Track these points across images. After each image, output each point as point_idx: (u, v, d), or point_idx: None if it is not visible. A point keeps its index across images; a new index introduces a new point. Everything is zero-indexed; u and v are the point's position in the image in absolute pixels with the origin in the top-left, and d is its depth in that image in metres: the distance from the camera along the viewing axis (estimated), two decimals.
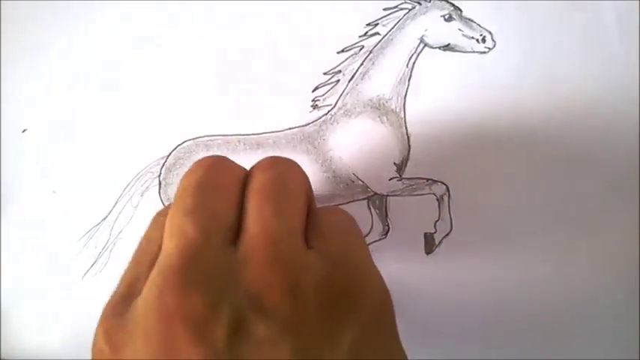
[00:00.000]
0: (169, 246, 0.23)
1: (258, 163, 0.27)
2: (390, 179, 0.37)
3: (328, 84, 0.38)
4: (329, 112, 0.38)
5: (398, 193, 0.37)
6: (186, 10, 0.39)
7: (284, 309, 0.22)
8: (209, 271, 0.22)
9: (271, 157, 0.27)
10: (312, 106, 0.38)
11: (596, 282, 0.37)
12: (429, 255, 0.37)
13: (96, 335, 0.23)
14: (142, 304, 0.22)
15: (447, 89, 0.37)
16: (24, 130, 0.39)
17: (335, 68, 0.38)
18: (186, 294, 0.21)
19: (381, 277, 0.26)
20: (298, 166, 0.28)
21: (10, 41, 0.39)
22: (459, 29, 0.37)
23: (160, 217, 0.26)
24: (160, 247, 0.24)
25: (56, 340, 0.38)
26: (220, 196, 0.25)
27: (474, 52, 0.37)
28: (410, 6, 0.38)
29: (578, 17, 0.38)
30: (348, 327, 0.23)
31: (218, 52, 0.38)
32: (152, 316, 0.21)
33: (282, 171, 0.26)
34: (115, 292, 0.25)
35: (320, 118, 0.38)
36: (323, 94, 0.38)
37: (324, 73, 0.38)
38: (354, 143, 0.37)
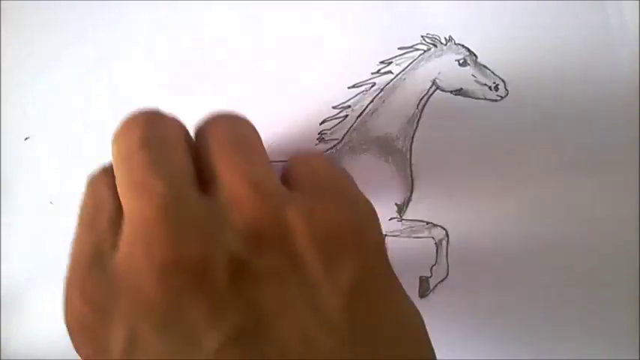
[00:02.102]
0: (140, 205, 0.22)
1: (207, 118, 0.28)
2: (390, 219, 0.37)
3: (336, 118, 0.37)
4: (334, 146, 0.38)
5: (396, 234, 0.37)
6: (198, 31, 0.39)
7: (282, 244, 0.22)
8: (193, 220, 0.22)
9: (218, 112, 0.28)
10: (318, 138, 0.38)
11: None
12: (422, 299, 0.37)
13: (69, 299, 0.23)
14: (125, 261, 0.22)
15: (455, 134, 0.37)
16: (26, 138, 0.38)
17: (344, 103, 0.37)
18: (178, 244, 0.21)
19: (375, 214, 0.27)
20: (247, 119, 0.29)
21: (16, 48, 0.39)
22: (473, 75, 0.37)
23: (101, 179, 0.26)
24: (114, 209, 0.24)
25: (47, 344, 0.38)
26: (173, 150, 0.25)
27: (485, 99, 0.37)
28: (425, 47, 0.37)
29: (593, 71, 0.38)
30: (346, 265, 0.23)
31: (229, 77, 0.38)
32: (143, 271, 0.21)
33: (237, 124, 0.28)
34: (76, 258, 0.24)
35: (325, 151, 0.37)
36: (330, 128, 0.38)
37: (333, 107, 0.38)
38: (357, 180, 0.37)
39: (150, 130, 0.25)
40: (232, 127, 0.27)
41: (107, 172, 0.26)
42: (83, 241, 0.24)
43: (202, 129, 0.27)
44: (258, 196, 0.23)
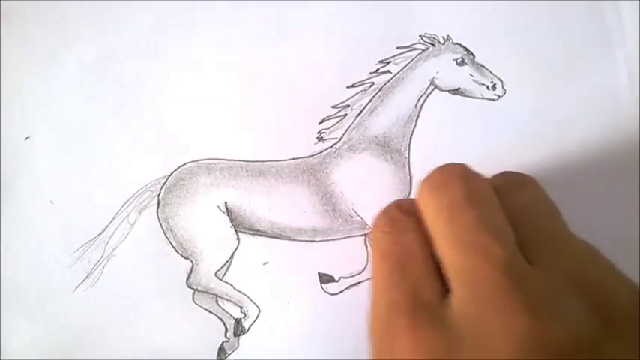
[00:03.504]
0: (475, 264, 0.22)
1: (504, 176, 0.28)
2: None
3: (335, 117, 0.38)
4: (334, 145, 0.38)
5: None
6: (199, 31, 0.39)
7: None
8: (543, 292, 0.22)
9: (514, 174, 0.29)
10: (317, 138, 0.38)
11: None
12: None
13: (394, 342, 0.23)
14: (470, 321, 0.22)
15: (453, 133, 0.37)
16: (26, 138, 0.38)
17: (343, 102, 0.38)
18: (541, 320, 0.20)
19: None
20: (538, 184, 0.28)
21: (16, 48, 0.39)
22: (470, 74, 0.37)
23: (404, 222, 0.26)
24: (426, 257, 0.24)
25: (46, 344, 0.38)
26: (497, 210, 0.24)
27: (483, 98, 0.37)
28: (423, 47, 0.38)
29: (590, 71, 0.38)
30: None
31: (228, 77, 0.38)
32: (501, 338, 0.20)
33: (536, 192, 0.27)
34: (391, 301, 0.24)
35: (324, 150, 0.38)
36: (329, 127, 0.38)
37: (332, 107, 0.38)
38: (356, 179, 0.37)
39: (471, 187, 0.25)
40: (531, 197, 0.27)
41: (406, 213, 0.26)
42: (395, 285, 0.24)
43: (506, 190, 0.27)
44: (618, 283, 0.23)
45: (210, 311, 0.37)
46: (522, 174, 0.29)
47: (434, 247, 0.24)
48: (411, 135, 0.37)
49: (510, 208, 0.25)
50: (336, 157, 0.38)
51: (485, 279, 0.22)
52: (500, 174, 0.29)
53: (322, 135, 0.38)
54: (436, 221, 0.24)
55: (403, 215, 0.26)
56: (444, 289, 0.23)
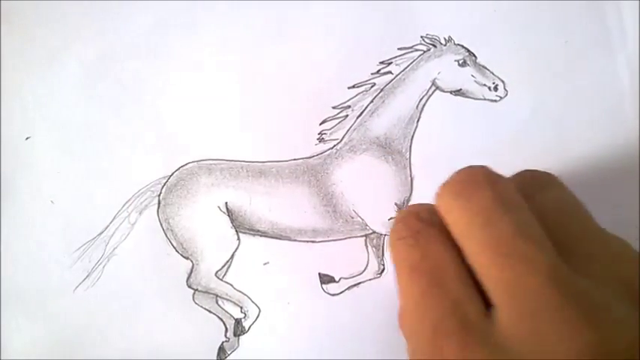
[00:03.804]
0: (521, 277, 0.21)
1: (526, 176, 0.27)
2: (390, 219, 0.37)
3: (336, 118, 0.38)
4: (335, 146, 0.38)
5: None
6: (199, 31, 0.39)
7: None
8: (592, 300, 0.21)
9: (536, 173, 0.27)
10: (318, 139, 0.38)
11: None
12: None
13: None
14: (525, 341, 0.21)
15: (454, 134, 0.37)
16: (27, 138, 0.38)
17: (344, 103, 0.38)
18: (603, 333, 0.20)
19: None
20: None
21: (16, 48, 0.39)
22: (472, 75, 0.37)
23: (428, 233, 0.25)
24: (459, 269, 0.23)
25: (46, 344, 0.38)
26: (529, 214, 0.23)
27: (484, 99, 0.37)
28: (425, 48, 0.38)
29: (591, 72, 0.38)
30: None
31: (228, 77, 0.38)
32: (560, 355, 0.20)
33: (562, 191, 0.26)
34: (432, 319, 0.22)
35: (325, 151, 0.38)
36: (330, 128, 0.38)
37: (333, 107, 0.38)
38: (357, 180, 0.37)
39: (499, 191, 0.24)
40: (561, 197, 0.26)
41: (427, 222, 0.25)
42: (437, 305, 0.23)
43: (532, 194, 0.25)
44: None
45: (210, 311, 0.37)
46: (545, 172, 0.28)
47: (465, 257, 0.23)
48: (412, 136, 0.37)
49: (538, 211, 0.24)
50: (337, 158, 0.38)
51: (533, 292, 0.21)
52: (521, 173, 0.28)
53: (323, 136, 0.38)
54: (468, 231, 0.23)
55: (424, 225, 0.25)
56: (485, 303, 0.23)
